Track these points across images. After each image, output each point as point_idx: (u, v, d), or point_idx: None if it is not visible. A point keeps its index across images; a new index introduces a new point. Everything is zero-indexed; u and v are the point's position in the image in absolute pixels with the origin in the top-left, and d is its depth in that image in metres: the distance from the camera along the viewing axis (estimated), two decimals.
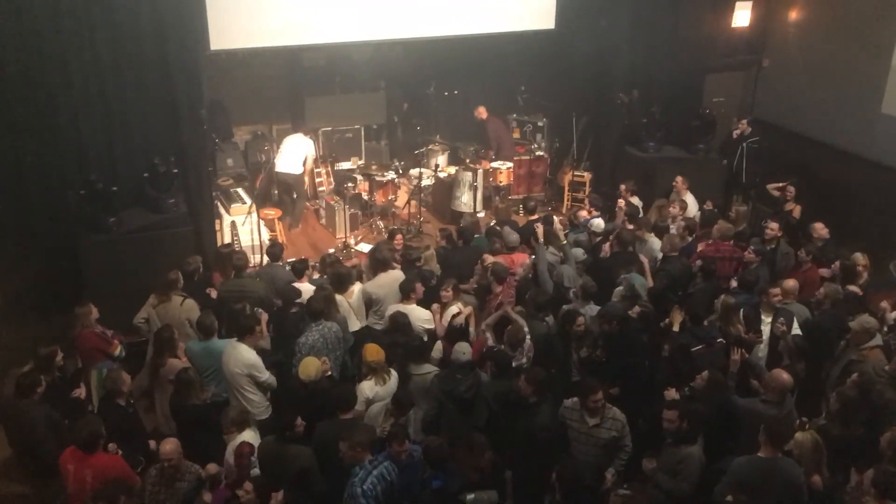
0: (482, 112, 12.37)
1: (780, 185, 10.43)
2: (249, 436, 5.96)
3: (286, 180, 11.23)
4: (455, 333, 7.14)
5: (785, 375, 6.27)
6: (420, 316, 7.50)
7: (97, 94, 8.67)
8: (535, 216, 9.71)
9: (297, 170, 11.17)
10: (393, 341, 6.99)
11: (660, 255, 8.77)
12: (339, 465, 5.72)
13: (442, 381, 6.55)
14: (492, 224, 9.68)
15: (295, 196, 11.42)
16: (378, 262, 8.03)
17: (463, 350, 6.59)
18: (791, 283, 7.79)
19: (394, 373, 6.70)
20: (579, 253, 8.64)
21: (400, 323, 7.19)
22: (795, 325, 7.47)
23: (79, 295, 8.50)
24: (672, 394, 6.39)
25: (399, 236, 9.04)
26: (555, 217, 9.86)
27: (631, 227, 9.21)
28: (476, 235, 9.16)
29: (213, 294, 8.11)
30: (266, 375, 6.68)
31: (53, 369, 6.64)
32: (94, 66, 8.57)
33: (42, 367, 6.54)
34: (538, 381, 6.18)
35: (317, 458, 5.78)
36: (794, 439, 5.80)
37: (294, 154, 11.21)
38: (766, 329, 7.49)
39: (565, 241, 8.64)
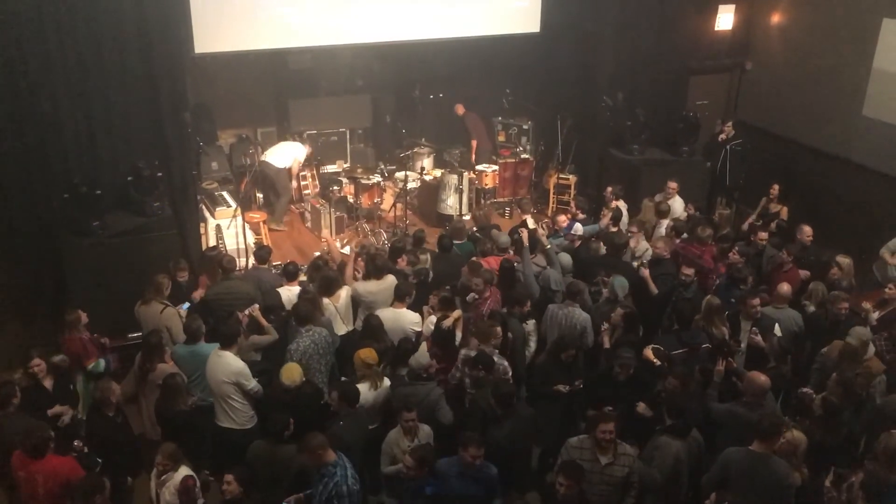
0: (459, 108, 12.59)
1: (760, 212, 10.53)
2: (186, 471, 5.78)
3: (267, 171, 11.27)
4: (442, 337, 7.13)
5: (762, 378, 6.33)
6: (410, 319, 7.49)
7: (80, 98, 8.59)
8: (528, 216, 9.73)
9: (280, 164, 11.28)
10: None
11: (648, 257, 8.80)
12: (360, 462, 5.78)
13: (397, 388, 6.61)
14: (474, 230, 9.69)
15: (276, 192, 11.46)
16: (376, 269, 7.92)
17: (418, 359, 6.57)
18: (785, 288, 7.82)
19: (386, 379, 6.68)
20: (567, 260, 8.60)
21: (372, 326, 7.18)
22: (777, 328, 7.52)
23: (63, 299, 8.46)
24: (643, 408, 6.39)
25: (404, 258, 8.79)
26: (538, 222, 9.86)
27: (615, 229, 9.24)
28: (456, 241, 9.10)
29: (198, 295, 8.07)
30: (253, 383, 6.60)
31: (37, 377, 6.56)
32: (77, 69, 8.48)
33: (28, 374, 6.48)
34: (501, 395, 6.18)
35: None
36: (787, 437, 5.85)
37: (284, 152, 11.42)
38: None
39: (549, 245, 8.63)
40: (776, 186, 10.46)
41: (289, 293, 7.81)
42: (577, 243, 9.16)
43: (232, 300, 7.67)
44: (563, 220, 9.76)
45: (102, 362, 7.21)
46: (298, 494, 5.55)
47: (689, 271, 8.20)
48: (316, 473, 5.47)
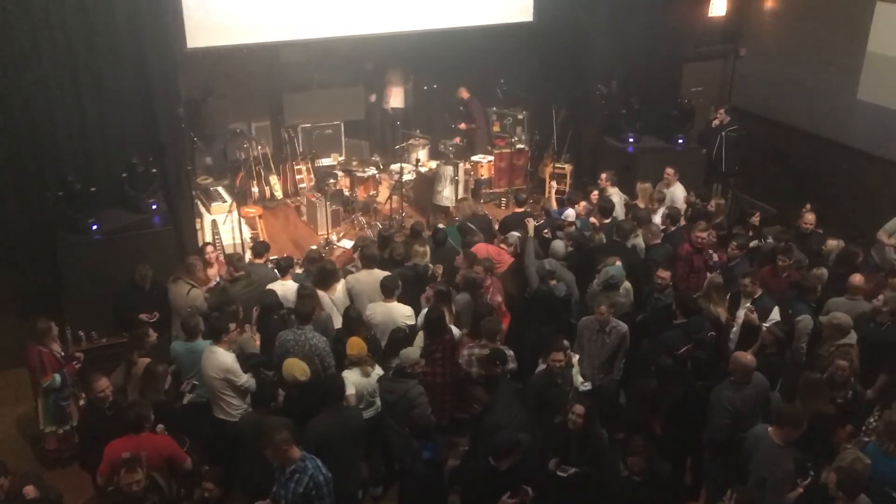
0: (463, 92, 12.67)
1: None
2: None
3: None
4: (432, 326, 7.08)
5: (748, 357, 6.42)
6: (402, 312, 7.46)
7: (73, 94, 8.55)
8: (524, 208, 9.70)
9: (400, 104, 13.07)
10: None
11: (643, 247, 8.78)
12: (338, 457, 5.78)
13: (382, 382, 6.63)
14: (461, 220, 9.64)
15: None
16: (365, 259, 7.97)
17: (408, 354, 6.54)
18: (857, 279, 7.59)
19: (378, 368, 6.70)
20: (560, 247, 8.45)
21: (350, 318, 7.18)
22: (776, 313, 7.45)
23: (59, 297, 8.44)
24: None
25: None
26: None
27: (606, 220, 9.19)
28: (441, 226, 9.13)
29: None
30: (243, 379, 6.53)
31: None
32: (69, 65, 8.45)
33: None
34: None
35: (316, 453, 5.71)
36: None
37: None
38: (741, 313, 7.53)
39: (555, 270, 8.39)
40: (757, 214, 9.58)
41: (283, 288, 7.75)
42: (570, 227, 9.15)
43: (256, 289, 7.78)
44: (581, 207, 9.83)
45: (58, 378, 7.05)
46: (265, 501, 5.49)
47: (665, 275, 7.86)
48: (282, 473, 5.41)
